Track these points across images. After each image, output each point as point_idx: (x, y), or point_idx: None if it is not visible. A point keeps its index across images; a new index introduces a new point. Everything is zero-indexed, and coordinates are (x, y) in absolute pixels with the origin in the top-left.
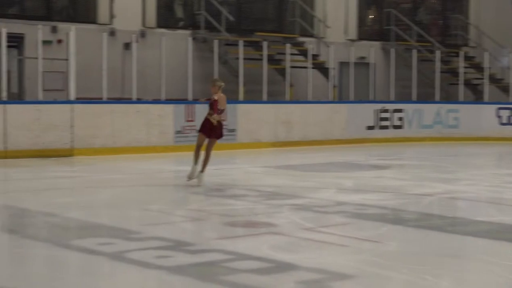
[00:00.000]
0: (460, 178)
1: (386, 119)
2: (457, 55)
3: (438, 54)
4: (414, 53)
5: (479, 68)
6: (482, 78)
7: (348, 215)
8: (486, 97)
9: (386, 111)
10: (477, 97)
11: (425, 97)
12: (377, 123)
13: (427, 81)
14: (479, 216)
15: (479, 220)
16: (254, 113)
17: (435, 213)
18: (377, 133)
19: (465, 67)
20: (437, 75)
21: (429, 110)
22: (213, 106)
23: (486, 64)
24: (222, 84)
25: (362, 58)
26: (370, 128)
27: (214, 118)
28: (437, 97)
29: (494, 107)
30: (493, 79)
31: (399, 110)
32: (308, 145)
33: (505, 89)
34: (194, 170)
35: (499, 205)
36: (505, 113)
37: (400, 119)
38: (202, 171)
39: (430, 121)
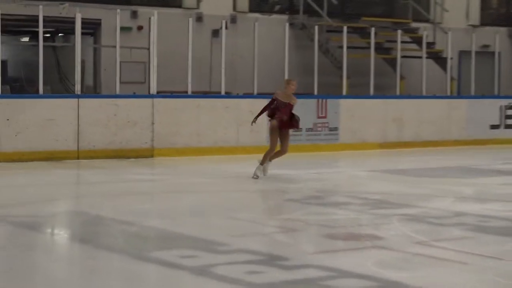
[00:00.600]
0: None
1: None
2: None
3: None
4: None
5: None
6: None
7: (468, 228)
8: None
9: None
10: None
11: None
12: (503, 121)
13: None
14: None
15: None
16: (360, 110)
17: None
18: (502, 133)
19: None
20: None
21: None
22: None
23: None
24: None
25: (486, 46)
26: (495, 127)
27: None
28: None
29: None
30: None
31: None
32: (422, 146)
33: None
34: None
35: None
36: None
37: None
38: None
39: None
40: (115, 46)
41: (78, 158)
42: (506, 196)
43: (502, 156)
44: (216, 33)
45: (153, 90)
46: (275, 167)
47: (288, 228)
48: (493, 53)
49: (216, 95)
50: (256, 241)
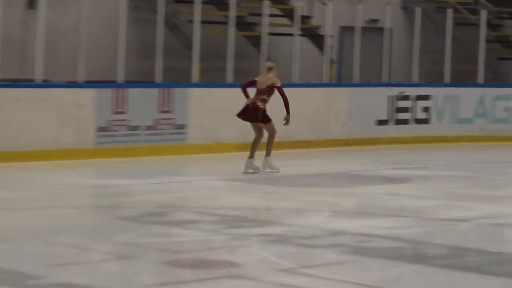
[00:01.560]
0: (509, 195)
1: (405, 109)
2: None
3: (483, 16)
4: (449, 13)
5: None
6: None
7: (346, 250)
8: None
9: (405, 98)
10: None
11: (463, 78)
12: (393, 115)
13: (467, 54)
14: None
15: None
16: (214, 102)
17: (472, 247)
18: (392, 130)
19: None
20: (482, 45)
21: (468, 96)
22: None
23: None
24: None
25: (374, 21)
26: (382, 122)
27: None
28: (481, 78)
29: None
30: None
31: (425, 97)
32: (291, 147)
33: None
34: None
35: None
36: None
37: (426, 109)
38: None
39: (469, 113)
40: None
41: None
42: (394, 209)
43: (391, 160)
44: (31, 3)
45: None
46: (104, 176)
47: (120, 255)
48: (382, 30)
49: (30, 84)
50: (79, 271)
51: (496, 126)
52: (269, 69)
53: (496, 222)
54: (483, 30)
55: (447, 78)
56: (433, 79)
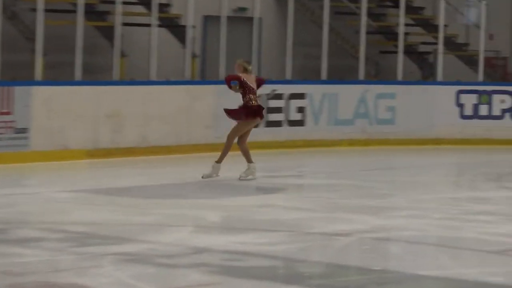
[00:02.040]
0: (396, 206)
1: (278, 110)
2: (396, 6)
3: (364, 4)
4: (326, 2)
5: (430, 26)
6: (434, 43)
7: (213, 270)
8: (440, 74)
9: (278, 97)
10: (426, 73)
11: (342, 74)
12: (264, 117)
13: (346, 47)
14: (425, 267)
15: (424, 274)
16: (60, 102)
17: (354, 264)
18: (263, 134)
19: (408, 25)
20: (362, 37)
21: (348, 95)
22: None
23: (441, 20)
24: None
25: (242, 10)
26: None
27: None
28: (362, 73)
29: (453, 89)
30: (453, 45)
31: (300, 96)
32: (150, 153)
33: (471, 61)
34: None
35: (454, 249)
36: (470, 99)
37: (301, 110)
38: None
39: (349, 113)
40: None
41: None
42: (266, 223)
43: (262, 167)
44: None
45: None
46: None
47: None
48: (251, 20)
49: None
50: None
51: (379, 128)
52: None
53: (380, 236)
54: (363, 20)
55: (324, 74)
56: (309, 75)
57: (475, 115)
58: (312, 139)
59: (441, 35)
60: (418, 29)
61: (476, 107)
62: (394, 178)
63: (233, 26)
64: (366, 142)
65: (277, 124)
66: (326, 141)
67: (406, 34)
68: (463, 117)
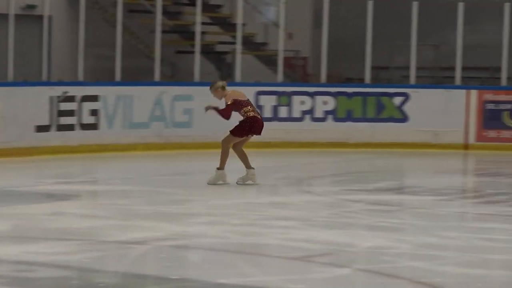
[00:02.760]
0: (194, 212)
1: (69, 113)
2: (192, 4)
3: (159, 2)
4: (119, 0)
5: (227, 25)
6: (233, 43)
7: (4, 282)
8: (238, 75)
9: (70, 99)
10: (224, 74)
11: (137, 75)
12: (55, 120)
13: (141, 47)
14: (225, 275)
15: (224, 282)
16: None
17: (151, 273)
18: (54, 138)
19: (205, 24)
20: (158, 37)
21: (143, 97)
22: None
23: (239, 19)
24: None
25: (31, 7)
26: (43, 129)
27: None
28: (157, 74)
29: (252, 90)
30: (251, 44)
31: (92, 98)
32: None
33: (270, 61)
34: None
35: (255, 256)
36: (269, 101)
37: (94, 113)
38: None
39: (145, 116)
40: None
41: None
42: (58, 232)
43: (53, 173)
44: None
45: None
46: None
47: None
48: (41, 18)
49: None
50: None
51: (176, 131)
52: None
53: (178, 244)
54: (159, 18)
55: (118, 75)
56: (102, 76)
57: (275, 117)
58: (106, 143)
59: (239, 34)
60: (215, 28)
61: (275, 108)
62: (191, 183)
63: (22, 24)
64: (163, 146)
65: (69, 128)
66: (120, 145)
67: (203, 33)
68: (263, 119)
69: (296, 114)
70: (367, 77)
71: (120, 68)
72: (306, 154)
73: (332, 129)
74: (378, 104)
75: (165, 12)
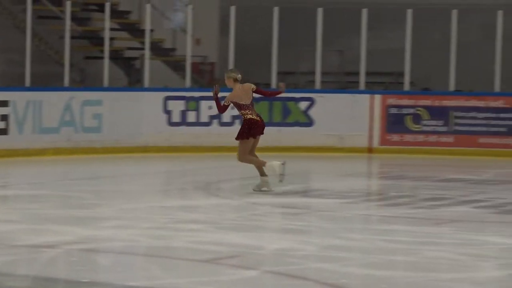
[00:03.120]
0: (104, 216)
1: None
2: (101, 10)
3: (68, 8)
4: (29, 5)
5: (136, 31)
6: (141, 48)
7: None
8: (147, 80)
9: None
10: (132, 79)
11: (47, 81)
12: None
13: (50, 53)
14: (134, 278)
15: (134, 285)
16: None
17: (61, 277)
18: None
19: (114, 30)
20: (67, 43)
21: (53, 102)
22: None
23: (147, 25)
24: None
25: None
26: None
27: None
28: (67, 80)
29: (160, 96)
30: (159, 50)
31: (3, 103)
32: None
33: (178, 66)
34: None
35: (165, 259)
36: (177, 106)
37: (4, 118)
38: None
39: (55, 121)
40: None
41: None
42: None
43: None
44: None
45: None
46: None
47: None
48: None
49: None
50: None
51: (86, 136)
52: (238, 80)
53: (88, 248)
54: (68, 24)
55: (28, 81)
56: (12, 82)
57: (183, 122)
58: (16, 148)
59: (147, 40)
60: (124, 34)
61: (184, 113)
62: (101, 188)
63: None
64: (72, 151)
65: None
66: (30, 150)
67: (112, 39)
68: (171, 124)
69: (204, 119)
70: (274, 82)
71: (30, 73)
72: (214, 158)
73: None
74: (284, 108)
75: (74, 18)
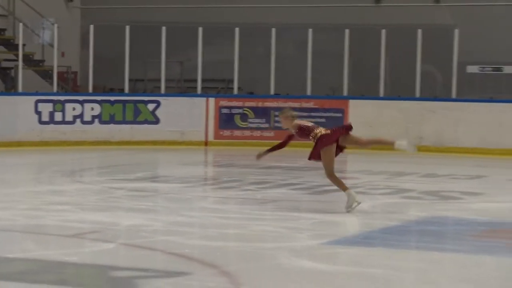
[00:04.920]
0: None
1: None
2: None
3: None
4: None
5: (11, 45)
6: (15, 60)
7: None
8: (20, 86)
9: None
10: (8, 86)
11: None
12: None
13: None
14: (12, 251)
15: (12, 257)
16: None
17: None
18: None
19: None
20: None
21: None
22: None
23: (20, 40)
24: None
25: None
26: None
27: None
28: None
29: (32, 99)
30: (31, 61)
31: None
32: None
33: (47, 75)
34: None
35: (38, 235)
36: (46, 107)
37: None
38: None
39: None
40: None
41: None
42: None
43: None
44: None
45: None
46: None
47: None
48: None
49: None
50: None
51: None
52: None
53: None
54: None
55: None
56: None
57: (52, 121)
58: None
59: (20, 53)
60: (1, 48)
61: (52, 114)
62: None
63: None
64: None
65: None
66: None
67: None
68: (41, 122)
69: (69, 118)
70: (126, 88)
71: None
72: (77, 151)
73: (98, 130)
74: (135, 109)
75: None
